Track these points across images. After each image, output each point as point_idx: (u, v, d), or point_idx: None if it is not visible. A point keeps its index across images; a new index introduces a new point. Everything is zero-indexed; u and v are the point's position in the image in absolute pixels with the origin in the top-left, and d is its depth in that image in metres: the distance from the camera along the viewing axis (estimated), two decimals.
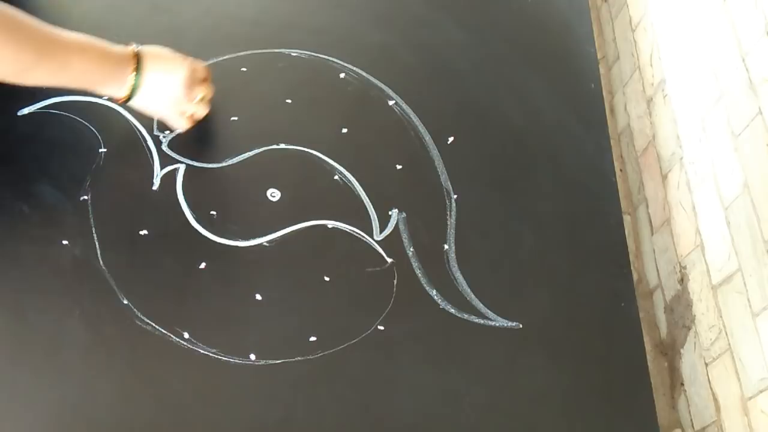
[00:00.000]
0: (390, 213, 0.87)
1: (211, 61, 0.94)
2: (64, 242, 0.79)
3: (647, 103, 1.22)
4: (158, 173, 0.84)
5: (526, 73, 1.03)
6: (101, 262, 0.78)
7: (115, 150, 0.85)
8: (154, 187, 0.84)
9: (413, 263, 0.84)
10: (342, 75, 0.97)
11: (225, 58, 0.95)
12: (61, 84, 0.75)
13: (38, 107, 0.86)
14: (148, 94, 0.79)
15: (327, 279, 0.80)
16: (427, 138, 0.94)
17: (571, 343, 0.83)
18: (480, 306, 0.83)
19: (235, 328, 0.77)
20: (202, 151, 0.87)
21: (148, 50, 0.79)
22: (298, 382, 0.75)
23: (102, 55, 0.76)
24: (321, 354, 0.77)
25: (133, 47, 0.79)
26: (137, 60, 0.78)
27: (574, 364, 0.82)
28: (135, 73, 0.77)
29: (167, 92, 0.80)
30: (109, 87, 0.78)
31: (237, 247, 0.81)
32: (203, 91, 0.84)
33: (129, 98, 0.79)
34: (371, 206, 0.87)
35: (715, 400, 0.94)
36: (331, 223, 0.84)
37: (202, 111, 0.85)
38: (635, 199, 1.25)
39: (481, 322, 0.82)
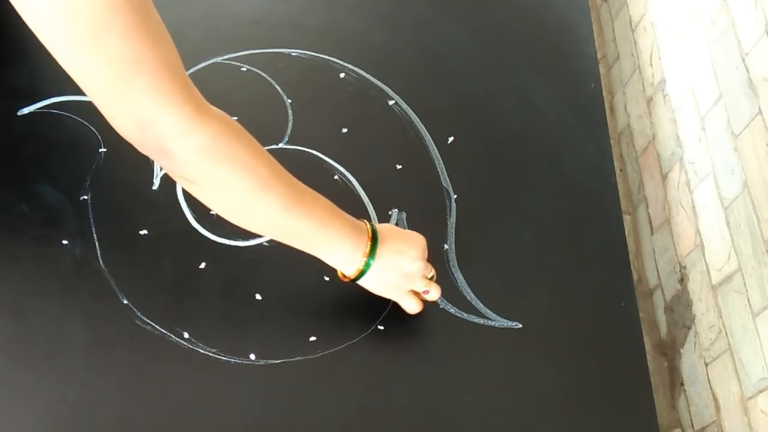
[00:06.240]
0: (390, 213, 0.87)
1: (211, 61, 0.94)
2: (64, 242, 0.79)
3: (647, 103, 1.22)
4: (158, 173, 0.84)
5: (526, 73, 1.03)
6: (101, 262, 0.78)
7: (115, 150, 0.85)
8: (154, 187, 0.84)
9: None
10: (342, 75, 0.97)
11: (225, 58, 0.95)
12: (284, 233, 0.70)
13: (38, 107, 0.86)
14: (377, 276, 0.73)
15: (327, 279, 0.80)
16: (427, 138, 0.94)
17: (571, 343, 0.83)
18: (480, 306, 0.83)
19: (235, 328, 0.77)
20: None
21: (382, 228, 0.74)
22: (298, 382, 0.75)
23: (342, 217, 0.71)
24: (321, 354, 0.77)
25: (366, 223, 0.73)
26: (373, 237, 0.72)
27: (574, 364, 0.82)
28: (369, 252, 0.72)
29: (400, 270, 0.74)
30: (336, 256, 0.72)
31: (237, 247, 0.81)
32: (432, 270, 0.77)
33: (356, 278, 0.73)
34: (371, 206, 0.87)
35: (715, 400, 0.94)
36: None
37: (435, 291, 0.77)
38: (635, 199, 1.24)
39: (481, 322, 0.82)
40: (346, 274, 0.74)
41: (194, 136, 0.59)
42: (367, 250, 0.72)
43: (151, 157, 0.61)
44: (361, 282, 0.74)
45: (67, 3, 0.51)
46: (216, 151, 0.61)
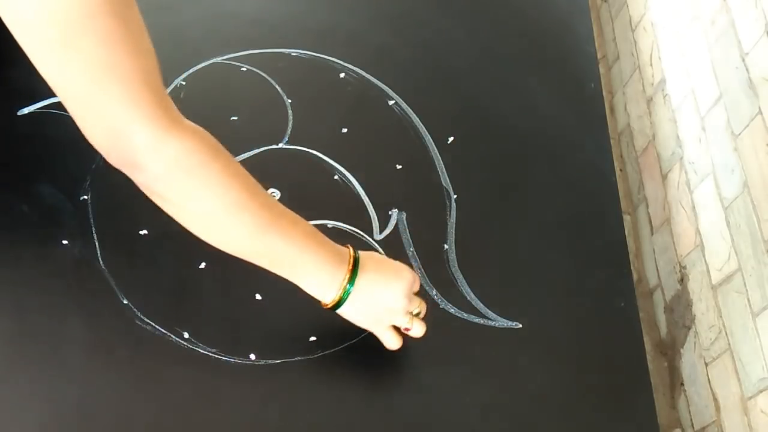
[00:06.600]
0: (390, 213, 0.87)
1: (211, 61, 0.94)
2: (64, 242, 0.79)
3: (647, 103, 1.22)
4: None
5: (526, 73, 1.03)
6: (101, 262, 0.78)
7: None
8: None
9: (413, 263, 0.84)
10: (342, 75, 0.97)
11: (225, 58, 0.95)
12: (260, 256, 0.66)
13: (38, 107, 0.86)
14: (357, 306, 0.70)
15: None
16: (427, 138, 0.94)
17: (571, 343, 0.83)
18: (480, 306, 0.83)
19: (235, 328, 0.77)
20: None
21: (368, 257, 0.70)
22: (298, 382, 0.75)
23: (321, 242, 0.67)
24: (321, 354, 0.77)
25: (350, 250, 0.70)
26: (354, 264, 0.68)
27: (574, 364, 0.82)
28: (349, 280, 0.68)
29: (382, 303, 0.70)
30: (313, 283, 0.68)
31: None
32: (420, 306, 0.74)
33: (335, 307, 0.69)
34: (371, 206, 0.87)
35: (715, 399, 0.94)
36: (331, 223, 0.84)
37: (419, 328, 0.73)
38: (635, 199, 1.24)
39: (481, 322, 0.82)
40: (325, 302, 0.70)
41: (167, 150, 0.57)
42: (347, 278, 0.68)
43: (122, 169, 0.59)
44: (340, 311, 0.70)
45: (47, 4, 0.50)
46: (189, 167, 0.59)
